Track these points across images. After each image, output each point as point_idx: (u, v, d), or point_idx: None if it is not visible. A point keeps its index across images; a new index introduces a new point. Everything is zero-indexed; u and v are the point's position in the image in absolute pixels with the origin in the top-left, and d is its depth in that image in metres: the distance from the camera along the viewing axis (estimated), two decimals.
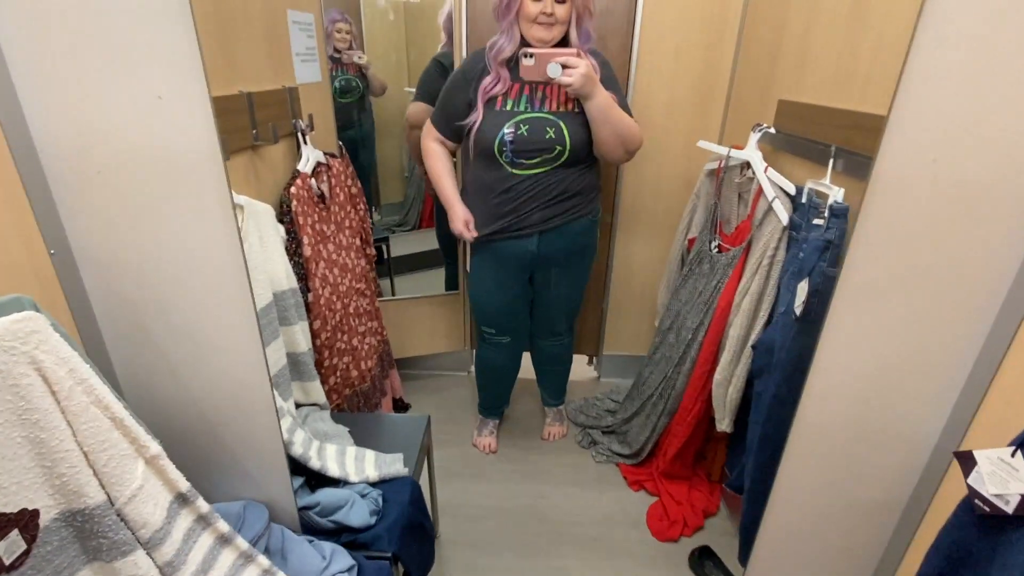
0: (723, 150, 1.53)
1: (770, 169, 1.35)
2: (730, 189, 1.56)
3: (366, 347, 1.65)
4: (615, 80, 1.44)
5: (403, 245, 2.35)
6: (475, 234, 1.50)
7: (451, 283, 2.24)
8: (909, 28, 0.66)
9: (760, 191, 1.39)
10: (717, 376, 1.44)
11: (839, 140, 1.11)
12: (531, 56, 1.26)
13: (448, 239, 2.00)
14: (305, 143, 1.38)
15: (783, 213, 1.28)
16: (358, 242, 1.66)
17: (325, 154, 1.49)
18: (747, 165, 1.51)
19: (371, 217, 2.29)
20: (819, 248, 1.01)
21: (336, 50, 2.05)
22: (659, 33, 1.74)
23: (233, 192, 1.07)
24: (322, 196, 1.45)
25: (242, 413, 0.87)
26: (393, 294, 2.29)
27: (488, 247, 1.54)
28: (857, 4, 1.12)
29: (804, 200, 1.23)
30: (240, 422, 0.88)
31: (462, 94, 1.42)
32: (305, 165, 1.36)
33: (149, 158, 0.70)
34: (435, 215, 2.28)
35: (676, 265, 1.81)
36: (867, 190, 0.71)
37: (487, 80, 1.39)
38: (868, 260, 0.75)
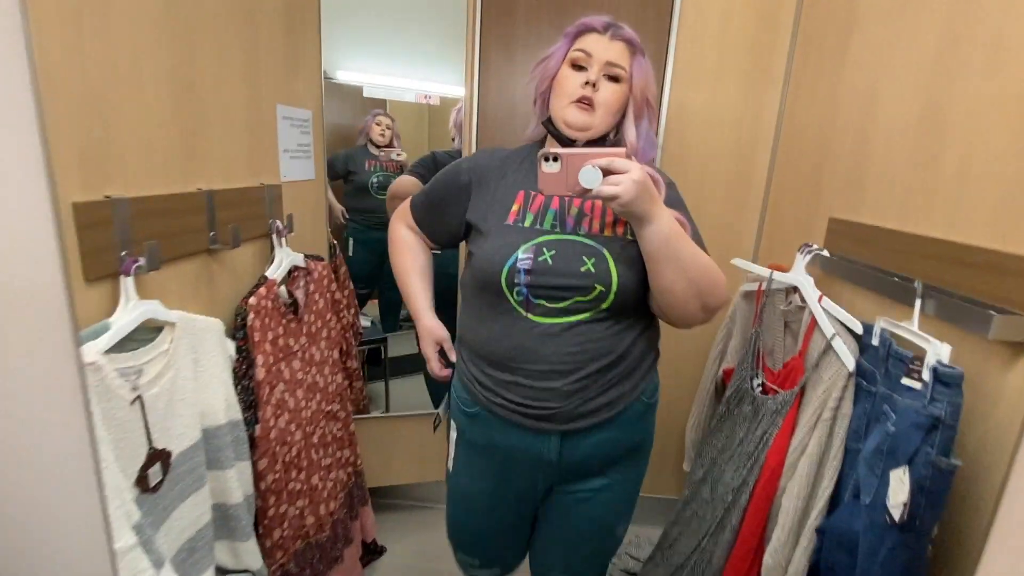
0: (764, 271, 1.31)
1: (826, 299, 1.12)
2: (773, 316, 1.32)
3: (330, 485, 1.36)
4: (683, 205, 0.95)
5: (409, 343, 2.11)
6: (445, 373, 1.06)
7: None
8: (1004, 141, 0.44)
9: (814, 324, 1.14)
10: (768, 560, 1.11)
11: (923, 274, 0.88)
12: (555, 159, 0.76)
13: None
14: (280, 245, 1.21)
15: (848, 357, 1.02)
16: (336, 355, 1.44)
17: (306, 257, 1.32)
18: (793, 290, 1.28)
19: (363, 322, 2.11)
20: (921, 427, 0.74)
21: (375, 145, 2.00)
22: (686, 144, 1.60)
23: (165, 307, 0.89)
24: (294, 305, 1.25)
25: None
26: (387, 407, 2.04)
27: (481, 432, 0.99)
28: (929, 110, 0.94)
29: (876, 341, 0.98)
30: None
31: (454, 201, 1.01)
32: (276, 270, 1.18)
33: None
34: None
35: (708, 399, 1.53)
36: None
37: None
38: None
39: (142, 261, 0.81)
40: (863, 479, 0.84)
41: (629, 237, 0.89)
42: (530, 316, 0.89)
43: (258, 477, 1.10)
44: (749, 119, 1.58)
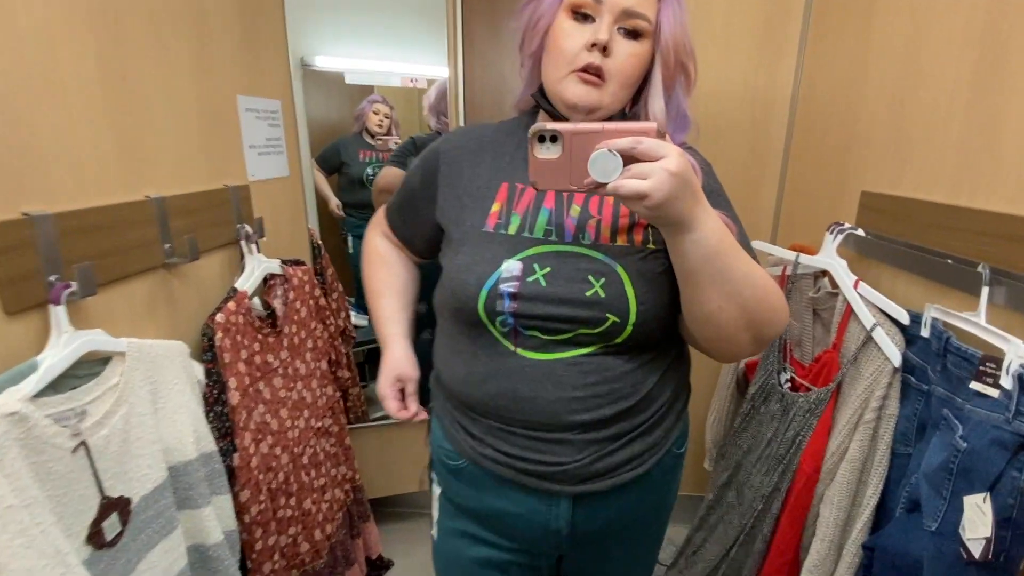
0: (789, 254, 1.18)
1: (863, 284, 0.99)
2: (800, 304, 1.20)
3: (325, 507, 1.26)
4: (724, 196, 0.72)
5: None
6: (411, 412, 0.84)
7: None
8: None
9: (849, 313, 1.02)
10: (807, 575, 1.01)
11: (985, 255, 0.75)
12: (553, 138, 0.54)
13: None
14: (251, 253, 1.09)
15: (893, 350, 0.90)
16: (324, 366, 1.33)
17: (283, 263, 1.20)
18: (822, 274, 1.16)
19: (361, 321, 2.00)
20: (1005, 446, 0.62)
21: (370, 134, 1.89)
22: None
23: (110, 335, 0.77)
24: (271, 316, 1.14)
25: None
26: None
27: (469, 492, 0.77)
28: (987, 62, 0.80)
29: (926, 333, 0.86)
30: None
31: (425, 197, 0.78)
32: (247, 281, 1.06)
33: None
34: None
35: (730, 394, 1.41)
36: None
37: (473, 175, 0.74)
38: None
39: (75, 286, 0.70)
40: (925, 499, 0.73)
41: (652, 246, 0.67)
42: (520, 352, 0.67)
43: (241, 510, 1.00)
44: (763, 88, 1.43)
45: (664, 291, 0.66)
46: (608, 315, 0.65)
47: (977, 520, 0.61)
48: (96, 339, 0.73)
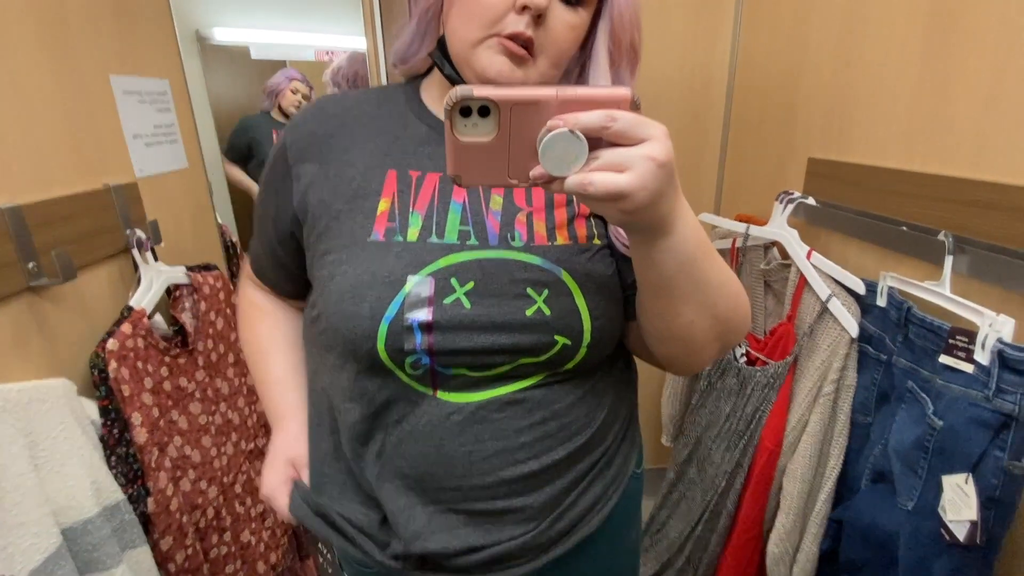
0: (739, 226, 1.15)
1: (816, 254, 0.97)
2: (752, 277, 1.18)
3: (267, 535, 1.15)
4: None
5: None
6: (288, 517, 0.61)
7: None
8: None
9: (803, 284, 1.01)
10: (774, 548, 1.01)
11: (946, 222, 0.73)
12: (483, 111, 0.37)
13: None
14: (146, 263, 0.93)
15: (850, 321, 0.89)
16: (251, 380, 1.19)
17: (189, 269, 1.04)
18: (772, 245, 1.14)
19: None
20: (986, 425, 0.60)
21: (284, 114, 1.71)
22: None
23: None
24: (180, 333, 0.99)
25: None
26: None
27: None
28: (939, 20, 0.77)
29: (882, 302, 0.85)
30: None
31: (281, 201, 0.58)
32: (144, 297, 0.91)
33: None
34: None
35: None
36: None
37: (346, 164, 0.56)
38: None
39: None
40: (899, 476, 0.72)
41: (597, 241, 0.54)
42: (440, 395, 0.52)
43: (164, 559, 0.87)
44: (699, 50, 1.38)
45: (617, 298, 0.54)
46: (557, 338, 0.51)
47: (960, 502, 0.60)
48: None
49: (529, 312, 0.50)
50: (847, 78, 0.96)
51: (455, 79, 0.54)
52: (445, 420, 0.51)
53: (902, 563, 0.68)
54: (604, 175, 0.36)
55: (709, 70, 1.39)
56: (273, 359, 0.68)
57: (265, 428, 1.22)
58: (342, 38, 1.88)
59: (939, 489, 0.63)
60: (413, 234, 0.52)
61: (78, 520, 0.73)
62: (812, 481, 0.97)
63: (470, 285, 0.50)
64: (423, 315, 0.49)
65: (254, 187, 1.78)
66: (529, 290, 0.51)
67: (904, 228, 0.81)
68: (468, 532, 0.53)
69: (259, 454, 1.18)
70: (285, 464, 0.64)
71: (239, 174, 1.82)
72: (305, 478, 0.63)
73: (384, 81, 1.35)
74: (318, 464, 0.62)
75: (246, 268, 0.72)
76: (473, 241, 0.52)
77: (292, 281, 0.65)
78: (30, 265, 0.73)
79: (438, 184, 0.54)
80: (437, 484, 0.53)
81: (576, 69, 0.56)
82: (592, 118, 0.36)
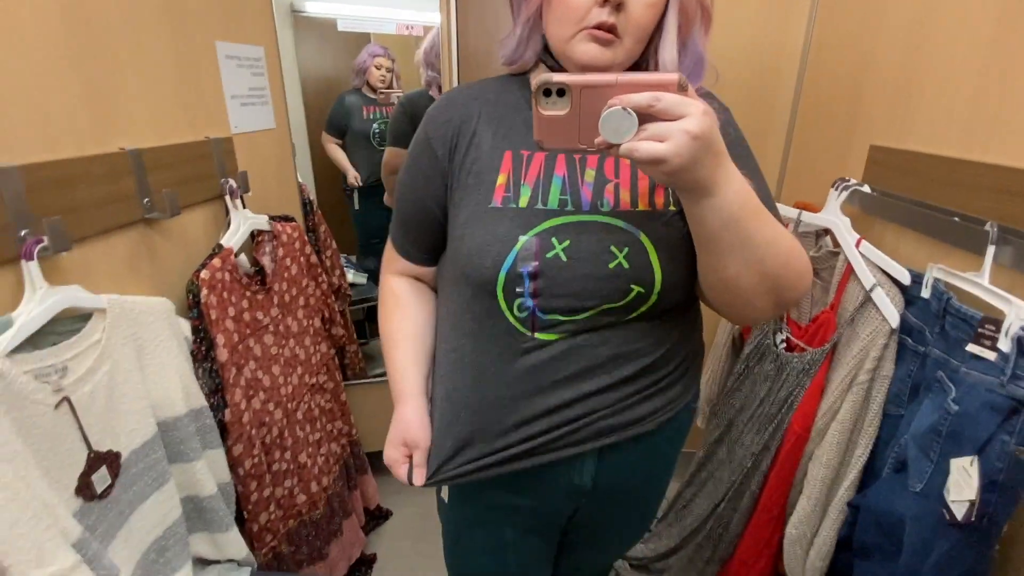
0: (791, 212, 1.14)
1: (865, 243, 0.96)
2: None
3: (321, 460, 1.29)
4: (745, 146, 0.69)
5: None
6: (419, 483, 0.74)
7: None
8: None
9: (849, 273, 0.99)
10: (792, 531, 1.02)
11: (995, 213, 0.72)
12: (560, 92, 0.49)
13: None
14: (236, 208, 1.07)
15: (891, 311, 0.88)
16: (318, 323, 1.33)
17: (271, 219, 1.17)
18: (824, 233, 1.12)
19: (358, 279, 2.00)
20: (997, 409, 0.60)
21: (372, 89, 1.83)
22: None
23: (89, 291, 0.76)
24: (260, 273, 1.12)
25: None
26: None
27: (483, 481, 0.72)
28: (1009, 11, 0.74)
29: (927, 294, 0.83)
30: None
31: (430, 183, 0.70)
32: (232, 237, 1.04)
33: None
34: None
35: (725, 352, 1.40)
36: None
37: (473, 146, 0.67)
38: None
39: (46, 241, 0.68)
40: (912, 460, 0.72)
41: (672, 208, 0.63)
42: (537, 335, 0.64)
43: (235, 463, 1.02)
44: (772, 32, 1.35)
45: (687, 256, 0.62)
46: (632, 286, 0.61)
47: (962, 482, 0.61)
48: (73, 295, 0.72)
49: (611, 265, 0.61)
50: (915, 64, 0.93)
51: (559, 71, 0.65)
52: (538, 354, 0.64)
53: (906, 544, 0.69)
54: (647, 144, 0.45)
55: (780, 54, 1.36)
56: (400, 350, 0.79)
57: (327, 367, 1.35)
58: (422, 13, 1.96)
59: (947, 473, 0.64)
60: (524, 202, 0.64)
61: (170, 416, 0.88)
62: (837, 468, 0.97)
63: (567, 243, 0.61)
64: (531, 267, 0.61)
65: (349, 167, 1.91)
66: (613, 248, 0.61)
67: (956, 219, 0.79)
68: (536, 439, 0.66)
69: (319, 388, 1.32)
70: (400, 444, 0.76)
71: (336, 152, 1.94)
72: (417, 456, 0.75)
73: (455, 56, 1.42)
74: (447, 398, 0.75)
75: (388, 260, 0.83)
76: (570, 207, 0.63)
77: (428, 251, 0.77)
78: (145, 200, 0.87)
79: (543, 162, 0.65)
80: (525, 410, 0.66)
81: (653, 41, 0.63)
82: (641, 98, 0.45)
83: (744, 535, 1.16)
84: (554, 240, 0.61)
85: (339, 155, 1.92)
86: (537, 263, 0.61)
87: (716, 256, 0.56)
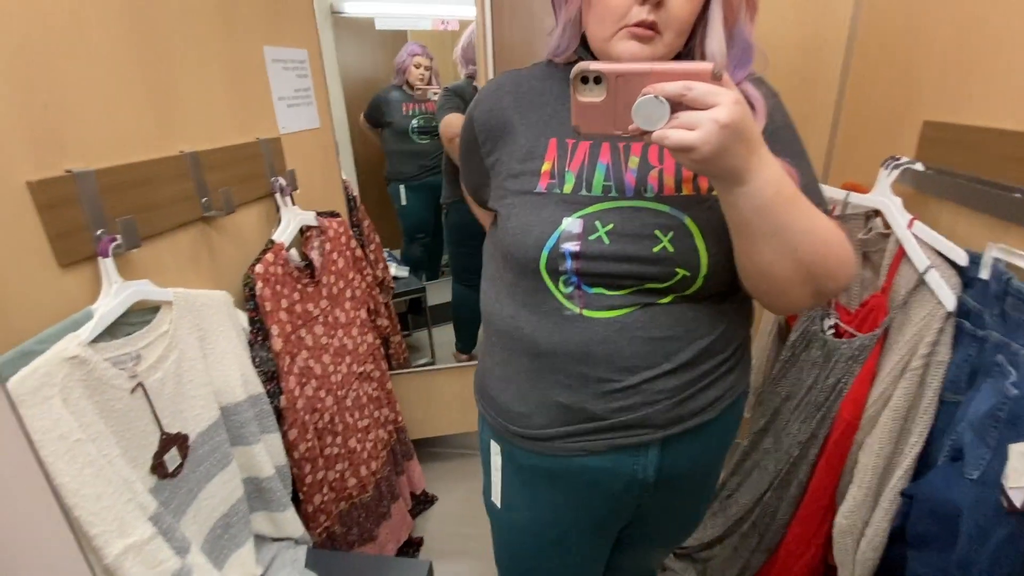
0: (839, 193, 1.11)
1: (918, 223, 0.92)
2: None
3: (369, 445, 1.34)
4: (793, 133, 0.67)
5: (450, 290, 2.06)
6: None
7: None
8: None
9: (901, 255, 0.96)
10: (843, 520, 1.00)
11: None
12: (596, 80, 0.50)
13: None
14: (285, 205, 1.12)
15: (947, 293, 0.85)
16: (364, 314, 1.38)
17: (319, 214, 1.23)
18: (875, 214, 1.08)
19: (400, 272, 2.05)
20: None
21: (411, 87, 1.89)
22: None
23: (157, 285, 0.82)
24: (309, 267, 1.17)
25: None
26: (432, 356, 2.02)
27: (539, 463, 0.72)
28: None
29: (986, 275, 0.80)
30: None
31: (477, 164, 0.74)
32: (283, 233, 1.10)
33: None
34: (452, 253, 2.01)
35: (771, 339, 1.37)
36: None
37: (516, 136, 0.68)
38: None
39: (120, 239, 0.74)
40: (969, 447, 0.70)
41: (715, 192, 0.60)
42: (585, 313, 0.64)
43: (290, 447, 1.08)
44: (817, 7, 1.30)
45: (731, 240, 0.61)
46: (678, 270, 0.61)
47: (1021, 469, 0.58)
48: (144, 289, 0.78)
49: (655, 249, 0.61)
50: (970, 34, 0.88)
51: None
52: (591, 331, 0.63)
53: (963, 532, 0.67)
54: (678, 132, 0.47)
55: (826, 28, 1.31)
56: None
57: (373, 356, 1.40)
58: (457, 7, 1.98)
59: (1005, 459, 0.61)
60: (568, 188, 0.64)
61: (231, 402, 0.93)
62: (890, 457, 0.94)
63: (610, 226, 0.62)
64: (573, 246, 0.62)
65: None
66: (657, 232, 0.61)
67: (1018, 195, 0.75)
68: (596, 421, 0.66)
69: (366, 377, 1.37)
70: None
71: (374, 135, 2.01)
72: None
73: (490, 50, 1.44)
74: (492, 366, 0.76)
75: (481, 216, 0.86)
76: (614, 194, 0.63)
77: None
78: (204, 200, 0.93)
79: (588, 150, 0.65)
80: (585, 389, 0.65)
81: (698, 32, 0.62)
82: (673, 87, 0.47)
83: (791, 525, 1.14)
84: (597, 223, 0.62)
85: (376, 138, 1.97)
86: (580, 243, 0.61)
87: (749, 242, 0.56)
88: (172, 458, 0.82)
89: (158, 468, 0.79)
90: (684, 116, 0.47)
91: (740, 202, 0.52)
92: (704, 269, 0.61)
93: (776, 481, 1.17)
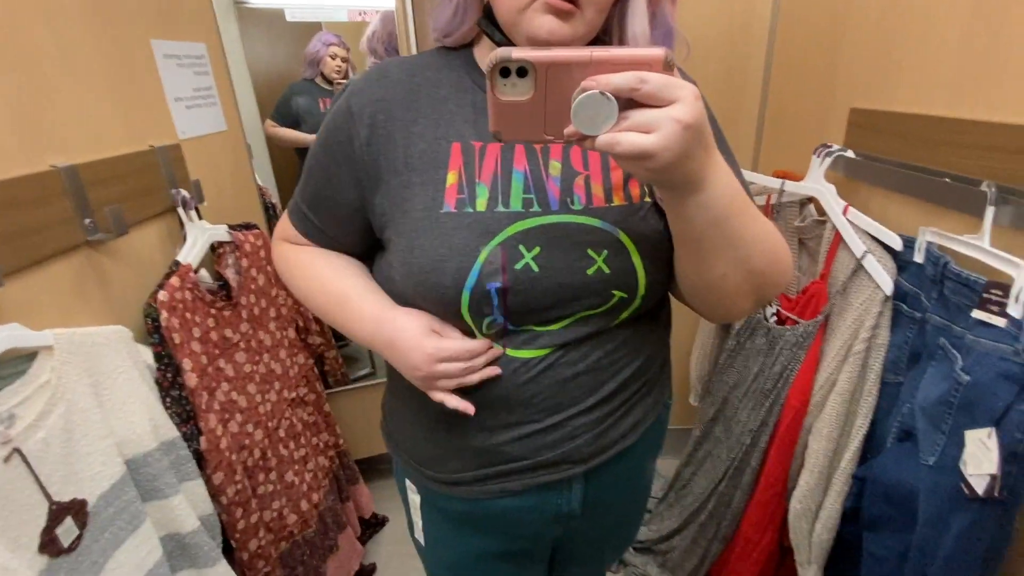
0: (773, 182, 1.12)
1: (852, 210, 0.94)
2: (785, 235, 1.15)
3: (309, 476, 1.23)
4: (717, 127, 0.60)
5: None
6: (468, 406, 0.57)
7: None
8: None
9: (838, 242, 0.98)
10: (797, 505, 1.01)
11: (990, 172, 0.70)
12: (521, 72, 0.39)
13: None
14: (191, 220, 0.99)
15: (885, 278, 0.86)
16: (292, 333, 1.26)
17: (231, 228, 1.10)
18: (808, 202, 1.10)
19: None
20: (1013, 379, 0.58)
21: (328, 80, 1.72)
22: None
23: (29, 328, 0.69)
24: (225, 288, 1.05)
25: None
26: (372, 365, 1.90)
27: (458, 507, 0.67)
28: None
29: (920, 258, 0.82)
30: None
31: (346, 186, 0.59)
32: (189, 253, 0.97)
33: None
34: None
35: (714, 329, 1.39)
36: None
37: (411, 137, 0.56)
38: None
39: None
40: (922, 433, 0.71)
41: (648, 200, 0.55)
42: (509, 352, 0.56)
43: (217, 492, 0.96)
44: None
45: (667, 252, 0.55)
46: (614, 292, 0.55)
47: (981, 456, 0.59)
48: (12, 335, 0.65)
49: (590, 271, 0.53)
50: (893, 21, 0.90)
51: (506, 44, 0.53)
52: (513, 376, 0.57)
53: (921, 518, 0.68)
54: (631, 135, 0.37)
55: (749, 15, 1.32)
56: (347, 281, 0.63)
57: (306, 378, 1.29)
58: None
59: (962, 445, 0.62)
60: (481, 204, 0.54)
61: (139, 452, 0.81)
62: (838, 439, 0.96)
63: (537, 250, 0.53)
64: (499, 283, 0.52)
65: (303, 137, 1.79)
66: (590, 251, 0.53)
67: (947, 180, 0.77)
68: (516, 462, 0.61)
69: (300, 402, 1.26)
70: (426, 333, 0.56)
71: (287, 132, 1.82)
72: (448, 332, 0.58)
73: (413, 40, 1.35)
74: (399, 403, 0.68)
75: (282, 234, 0.70)
76: (536, 208, 0.54)
77: (342, 238, 0.64)
78: (87, 221, 0.79)
79: (500, 154, 0.55)
80: (503, 434, 0.59)
81: (616, 11, 0.53)
82: (622, 80, 0.37)
83: (747, 512, 1.15)
84: (522, 248, 0.52)
85: (291, 134, 1.81)
86: (505, 277, 0.52)
87: (701, 257, 0.49)
88: (67, 531, 0.69)
89: (49, 546, 0.67)
90: (637, 116, 0.38)
91: (694, 213, 0.44)
92: (642, 289, 0.55)
93: (730, 470, 1.18)
